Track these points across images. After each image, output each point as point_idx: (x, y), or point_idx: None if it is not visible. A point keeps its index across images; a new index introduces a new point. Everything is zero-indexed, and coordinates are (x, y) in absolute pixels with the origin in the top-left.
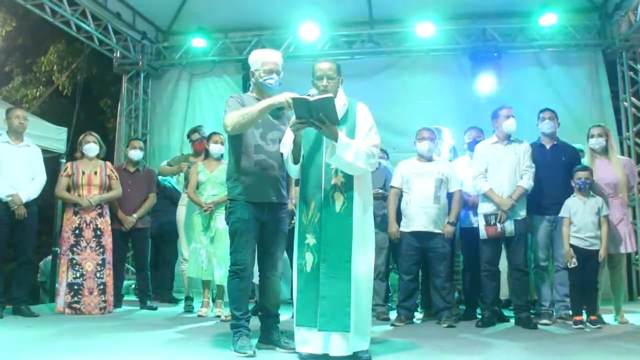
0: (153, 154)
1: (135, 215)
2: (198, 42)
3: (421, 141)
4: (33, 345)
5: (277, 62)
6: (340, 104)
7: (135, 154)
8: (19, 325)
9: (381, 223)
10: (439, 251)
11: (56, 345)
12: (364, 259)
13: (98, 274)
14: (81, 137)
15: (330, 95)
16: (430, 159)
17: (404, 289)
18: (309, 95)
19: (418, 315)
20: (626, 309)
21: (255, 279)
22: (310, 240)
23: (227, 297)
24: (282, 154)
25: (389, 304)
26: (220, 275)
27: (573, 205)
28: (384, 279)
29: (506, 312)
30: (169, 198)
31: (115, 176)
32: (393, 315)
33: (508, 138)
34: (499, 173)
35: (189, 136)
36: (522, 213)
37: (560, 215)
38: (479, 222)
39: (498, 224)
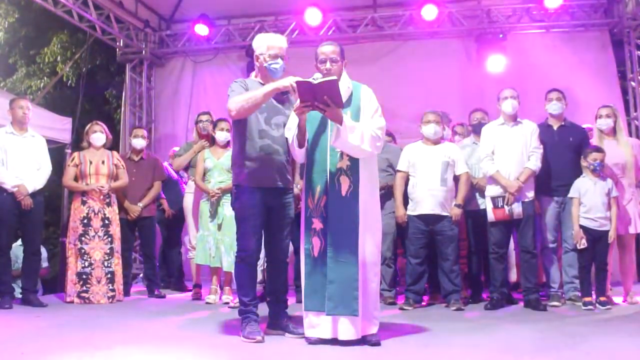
0: (159, 142)
1: (140, 204)
2: (200, 30)
3: (427, 124)
4: (42, 334)
5: (282, 47)
6: (345, 87)
7: (139, 143)
8: (28, 315)
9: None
10: (447, 234)
11: (65, 334)
12: (371, 243)
13: (106, 263)
14: (88, 126)
15: (334, 77)
16: (436, 142)
17: (412, 272)
18: (313, 79)
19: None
20: (636, 290)
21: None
22: (317, 224)
23: (235, 284)
24: (286, 138)
25: (396, 289)
26: (228, 262)
27: (583, 186)
28: (390, 264)
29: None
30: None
31: (122, 165)
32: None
33: (514, 119)
34: (506, 155)
35: (197, 121)
36: (530, 195)
37: (569, 195)
38: (487, 205)
39: (506, 207)
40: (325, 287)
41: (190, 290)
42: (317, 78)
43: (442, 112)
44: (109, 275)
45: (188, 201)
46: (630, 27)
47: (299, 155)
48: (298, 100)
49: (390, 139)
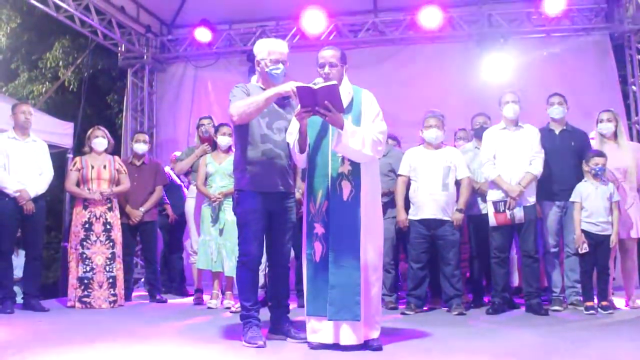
0: (160, 147)
1: (142, 209)
2: (201, 35)
3: (428, 129)
4: (44, 339)
5: (283, 52)
6: (346, 92)
7: (140, 147)
8: (29, 319)
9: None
10: (448, 239)
11: (67, 339)
12: (372, 247)
13: (108, 268)
14: (90, 131)
15: (335, 82)
16: (437, 147)
17: (413, 277)
18: (314, 84)
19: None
20: (638, 294)
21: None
22: (319, 229)
23: (236, 289)
24: (288, 143)
25: (398, 293)
26: (230, 266)
27: (585, 190)
28: (390, 269)
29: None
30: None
31: (124, 170)
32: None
33: (516, 124)
34: (507, 159)
35: (199, 125)
36: (532, 199)
37: (571, 199)
38: (488, 210)
39: (507, 211)
40: (327, 292)
41: (192, 295)
42: (317, 83)
43: (430, 112)
44: (110, 280)
45: (190, 206)
46: (631, 31)
47: (301, 160)
48: (299, 105)
49: (395, 142)
